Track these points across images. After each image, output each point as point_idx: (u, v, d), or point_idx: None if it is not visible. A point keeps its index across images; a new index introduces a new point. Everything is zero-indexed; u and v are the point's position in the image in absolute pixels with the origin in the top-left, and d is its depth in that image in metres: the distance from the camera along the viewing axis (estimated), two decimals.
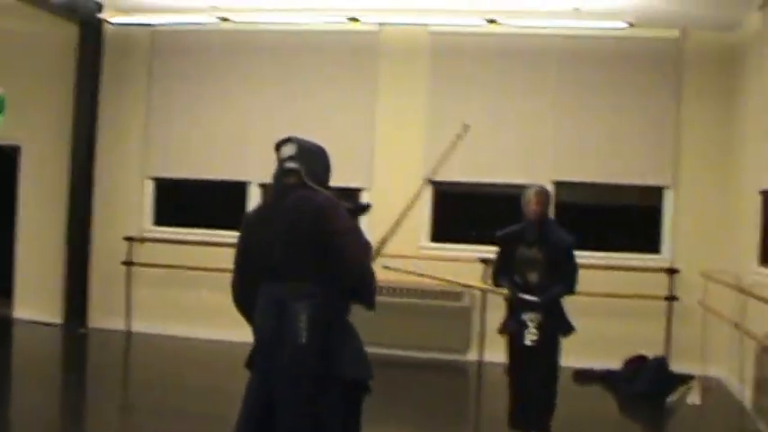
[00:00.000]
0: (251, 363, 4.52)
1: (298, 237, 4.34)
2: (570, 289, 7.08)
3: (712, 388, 9.50)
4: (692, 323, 10.06)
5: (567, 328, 7.17)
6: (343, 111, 11.26)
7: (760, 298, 7.60)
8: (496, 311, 9.45)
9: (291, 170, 4.52)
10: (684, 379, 9.57)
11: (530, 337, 6.86)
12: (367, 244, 4.46)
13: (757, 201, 8.97)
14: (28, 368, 9.56)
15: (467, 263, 10.31)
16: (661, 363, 9.84)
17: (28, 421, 7.32)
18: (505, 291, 6.97)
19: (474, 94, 10.93)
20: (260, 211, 4.71)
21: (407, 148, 10.93)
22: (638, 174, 10.78)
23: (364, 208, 5.10)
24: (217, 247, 11.11)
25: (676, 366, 10.00)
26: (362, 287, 4.41)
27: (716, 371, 9.88)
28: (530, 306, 6.87)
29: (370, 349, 4.48)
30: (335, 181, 9.28)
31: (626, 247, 10.85)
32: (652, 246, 10.82)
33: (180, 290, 11.42)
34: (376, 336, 10.49)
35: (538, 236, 7.00)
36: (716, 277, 9.30)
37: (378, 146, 11.12)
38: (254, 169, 11.29)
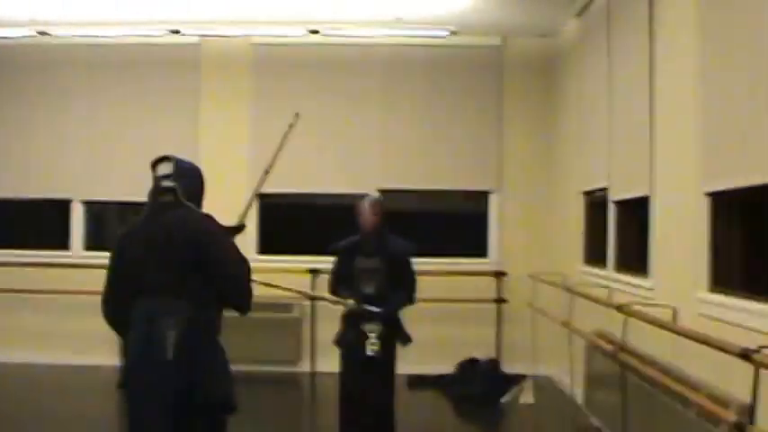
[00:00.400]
0: (123, 383, 4.52)
1: (172, 254, 4.41)
2: (411, 298, 7.17)
3: (544, 387, 9.70)
4: (522, 324, 10.24)
5: (406, 339, 7.24)
6: (166, 125, 11.02)
7: (585, 296, 7.77)
8: (326, 322, 9.51)
9: (168, 189, 4.54)
10: (517, 379, 9.73)
11: (371, 347, 6.84)
12: (246, 261, 4.58)
13: (580, 201, 9.19)
14: None
15: (296, 274, 10.21)
16: (493, 364, 10.00)
17: None
18: (350, 301, 6.88)
19: (299, 105, 10.72)
20: (132, 228, 4.67)
21: (232, 161, 10.76)
22: (463, 179, 10.94)
23: (239, 228, 5.01)
24: (41, 268, 10.79)
25: (508, 367, 10.19)
26: (241, 301, 4.57)
27: (546, 370, 10.08)
28: (369, 317, 6.84)
29: None
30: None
31: (455, 252, 10.96)
32: (480, 250, 10.97)
33: (2, 314, 10.95)
34: None
35: (376, 246, 7.02)
36: (543, 278, 9.48)
37: (202, 160, 10.89)
38: (76, 186, 11.01)
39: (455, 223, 11.48)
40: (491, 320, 10.64)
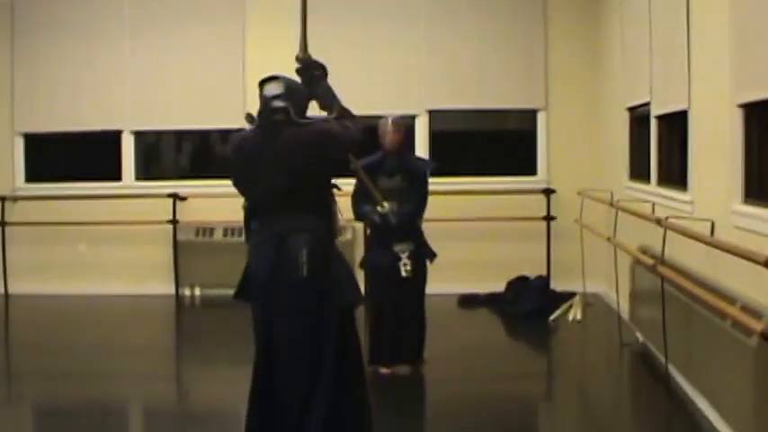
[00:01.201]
0: (240, 294, 4.85)
1: (299, 172, 4.59)
2: (420, 208, 7.31)
3: (593, 303, 9.72)
4: (571, 241, 10.20)
5: (431, 255, 7.43)
6: (212, 46, 11.05)
7: (627, 211, 7.75)
8: None
9: (279, 108, 4.68)
10: (566, 297, 9.77)
11: (405, 268, 7.04)
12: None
13: (625, 117, 9.13)
14: None
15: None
16: (543, 282, 10.03)
17: None
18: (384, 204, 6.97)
19: (344, 25, 10.84)
20: (248, 148, 4.79)
21: None
22: (511, 98, 10.87)
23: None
24: (92, 200, 10.99)
25: (558, 285, 10.20)
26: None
27: (596, 286, 10.08)
28: (400, 238, 7.02)
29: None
30: (206, 122, 9.30)
31: (504, 171, 10.96)
32: (529, 168, 10.96)
33: (57, 247, 11.14)
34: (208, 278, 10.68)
35: (398, 165, 7.15)
36: (590, 195, 9.46)
37: (249, 82, 10.94)
38: (126, 117, 11.13)
39: (504, 142, 11.47)
40: (541, 238, 10.64)
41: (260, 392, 4.74)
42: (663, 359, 6.51)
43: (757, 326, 4.16)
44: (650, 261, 6.43)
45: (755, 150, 5.45)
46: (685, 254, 6.34)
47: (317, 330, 4.64)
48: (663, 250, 6.28)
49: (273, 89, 4.76)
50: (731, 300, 5.14)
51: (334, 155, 4.83)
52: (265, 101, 4.75)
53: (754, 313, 4.67)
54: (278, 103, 4.69)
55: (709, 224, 5.94)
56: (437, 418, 6.62)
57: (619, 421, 6.35)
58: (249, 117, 4.88)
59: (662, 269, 6.11)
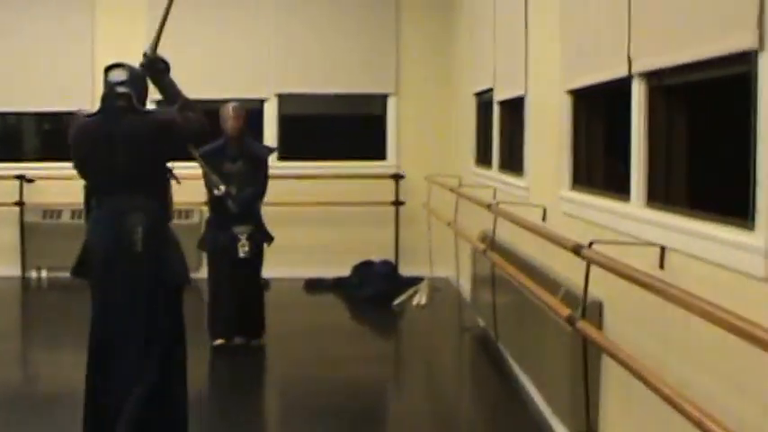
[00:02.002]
0: (79, 271, 4.99)
1: (139, 154, 4.80)
2: (260, 192, 7.51)
3: (441, 288, 9.76)
4: (419, 226, 10.24)
5: (269, 238, 7.65)
6: (60, 29, 10.76)
7: (466, 196, 7.80)
8: None
9: (122, 94, 4.81)
10: (413, 281, 9.81)
11: (243, 249, 7.24)
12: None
13: (473, 103, 9.19)
14: None
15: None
16: (388, 267, 10.06)
17: None
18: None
19: (194, 9, 10.64)
20: (88, 130, 4.91)
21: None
22: (360, 83, 10.85)
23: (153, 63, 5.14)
24: None
25: (407, 270, 10.26)
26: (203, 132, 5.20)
27: (444, 271, 10.14)
28: (238, 220, 7.19)
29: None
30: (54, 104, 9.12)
31: (353, 155, 10.94)
32: (379, 153, 10.96)
33: None
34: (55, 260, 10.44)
35: (239, 151, 7.35)
36: (437, 180, 9.50)
37: (97, 63, 10.64)
38: None
39: (354, 127, 11.43)
40: (390, 223, 10.68)
41: (93, 367, 4.85)
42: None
43: (564, 311, 4.19)
44: (482, 246, 6.47)
45: (582, 137, 5.51)
46: (519, 239, 6.39)
47: (150, 304, 4.82)
48: (493, 236, 6.33)
49: (118, 75, 4.87)
50: (554, 285, 5.19)
51: (173, 144, 5.05)
52: (110, 86, 4.86)
53: (572, 299, 4.72)
54: (121, 89, 4.82)
55: (541, 210, 5.99)
56: (280, 399, 6.68)
57: (454, 404, 6.42)
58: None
59: (491, 255, 6.15)
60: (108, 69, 4.93)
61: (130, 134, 4.79)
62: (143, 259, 4.77)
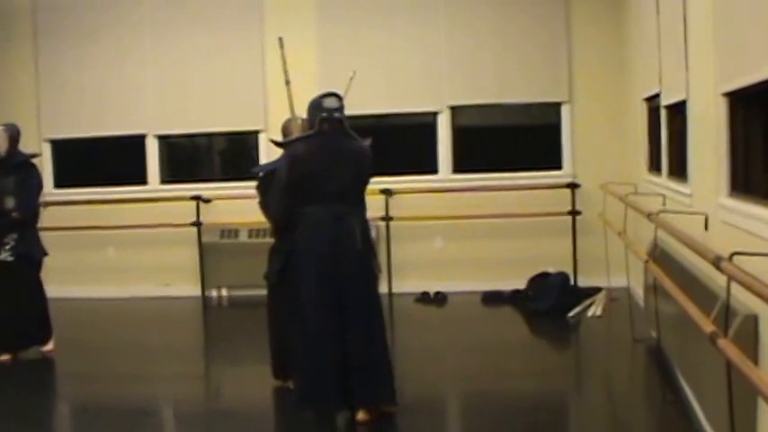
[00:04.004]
0: (274, 275, 6.40)
1: (354, 170, 5.91)
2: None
3: (618, 299, 9.53)
4: (596, 236, 10.03)
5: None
6: (232, 49, 11.09)
7: (631, 206, 7.58)
8: (401, 242, 9.66)
9: (340, 120, 5.91)
10: (589, 292, 9.63)
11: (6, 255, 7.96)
12: None
13: (643, 108, 8.95)
14: None
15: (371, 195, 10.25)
16: (563, 278, 9.89)
17: None
18: None
19: (365, 24, 10.78)
20: (312, 150, 5.89)
21: (300, 83, 10.75)
22: (533, 92, 10.73)
23: None
24: (119, 204, 11.07)
25: (584, 280, 10.09)
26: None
27: (623, 281, 9.88)
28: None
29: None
30: (228, 125, 9.55)
31: (528, 165, 10.81)
32: (553, 163, 10.79)
33: (86, 251, 11.28)
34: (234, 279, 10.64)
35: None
36: (612, 189, 9.27)
37: (269, 84, 10.91)
38: (150, 121, 11.20)
39: (527, 137, 11.28)
40: (566, 233, 10.51)
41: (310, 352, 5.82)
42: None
43: (708, 327, 3.99)
44: (644, 257, 6.28)
45: (740, 141, 5.27)
46: (684, 249, 6.15)
47: (373, 288, 6.02)
48: (654, 245, 6.13)
49: (333, 103, 5.92)
50: (713, 297, 4.97)
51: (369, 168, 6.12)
52: (327, 111, 5.87)
53: (731, 312, 4.50)
54: (338, 115, 5.90)
55: (703, 217, 5.77)
56: (459, 414, 6.76)
57: (623, 418, 6.24)
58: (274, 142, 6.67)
59: (651, 266, 5.96)
60: (323, 97, 5.93)
61: (353, 152, 5.92)
62: (361, 253, 5.84)
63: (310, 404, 5.96)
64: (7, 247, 7.94)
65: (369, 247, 6.00)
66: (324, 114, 5.88)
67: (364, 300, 5.88)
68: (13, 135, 8.10)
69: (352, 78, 7.04)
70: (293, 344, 6.07)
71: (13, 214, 7.92)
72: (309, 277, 5.82)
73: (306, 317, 5.83)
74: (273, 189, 6.49)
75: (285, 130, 6.85)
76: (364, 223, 5.98)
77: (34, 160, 8.52)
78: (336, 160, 5.86)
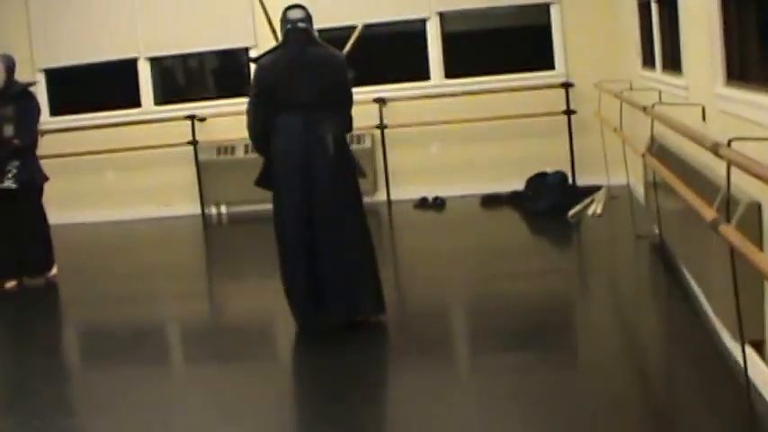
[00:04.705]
0: (262, 180, 6.09)
1: (324, 78, 5.89)
2: None
3: (618, 197, 9.54)
4: (593, 135, 10.04)
5: None
6: None
7: (630, 102, 7.57)
8: (397, 149, 9.71)
9: (305, 30, 5.93)
10: (588, 191, 9.66)
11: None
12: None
13: (633, 2, 8.88)
14: None
15: (364, 104, 10.24)
16: (562, 177, 9.91)
17: None
18: None
19: None
20: (276, 59, 5.94)
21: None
22: None
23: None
24: (115, 128, 11.06)
25: (583, 179, 10.12)
26: (350, 120, 6.19)
27: (623, 179, 9.90)
28: None
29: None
30: (219, 43, 9.39)
31: (520, 67, 10.77)
32: (546, 63, 10.75)
33: (84, 176, 11.30)
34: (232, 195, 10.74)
35: None
36: (605, 87, 9.25)
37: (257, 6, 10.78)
38: (140, 44, 11.15)
39: (517, 39, 11.23)
40: (563, 133, 10.51)
41: (294, 251, 5.90)
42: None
43: (710, 214, 4.00)
44: (642, 151, 6.30)
45: (734, 28, 5.25)
46: (683, 141, 6.17)
47: (348, 197, 5.99)
48: (651, 139, 6.14)
49: (298, 14, 5.94)
50: (714, 187, 4.99)
51: (345, 80, 6.09)
52: (292, 22, 5.91)
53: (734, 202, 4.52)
54: (302, 25, 5.91)
55: (700, 109, 5.77)
56: (465, 316, 6.81)
57: (631, 317, 6.32)
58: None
59: (649, 159, 5.98)
60: (288, 9, 5.97)
61: (319, 60, 5.91)
62: (334, 158, 5.82)
63: (295, 318, 6.07)
64: (9, 175, 7.98)
65: (344, 156, 6.00)
66: (288, 26, 5.93)
67: (336, 211, 5.89)
68: (9, 65, 8.09)
69: (359, 32, 6.92)
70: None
71: (14, 141, 7.96)
72: (284, 186, 5.91)
73: (283, 230, 5.95)
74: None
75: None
76: (339, 131, 6.00)
77: (31, 89, 8.56)
78: (302, 69, 5.87)
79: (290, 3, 6.08)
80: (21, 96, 8.13)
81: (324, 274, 5.85)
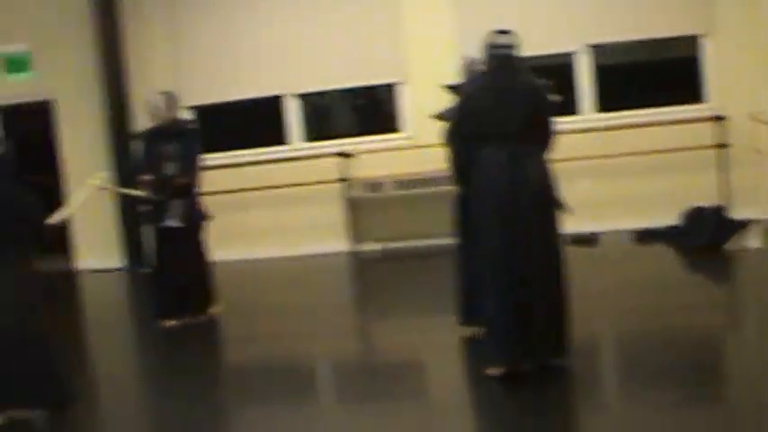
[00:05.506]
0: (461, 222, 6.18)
1: (528, 108, 5.57)
2: None
3: None
4: (747, 168, 9.82)
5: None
6: (365, 2, 11.14)
7: None
8: None
9: (508, 56, 5.63)
10: (744, 224, 9.43)
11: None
12: None
13: None
14: (120, 314, 9.82)
15: None
16: (718, 211, 9.69)
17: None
18: None
19: None
20: (480, 87, 5.71)
21: (438, 33, 10.75)
22: (671, 25, 10.50)
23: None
24: (264, 165, 11.27)
25: (737, 213, 9.87)
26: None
27: None
28: None
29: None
30: (366, 79, 9.32)
31: (670, 101, 10.61)
32: (696, 96, 10.57)
33: (234, 214, 11.40)
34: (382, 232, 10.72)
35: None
36: (761, 118, 9.04)
37: (407, 35, 10.90)
38: (289, 81, 11.34)
39: (667, 72, 11.05)
40: (714, 166, 10.28)
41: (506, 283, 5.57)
42: None
43: None
44: None
45: None
46: None
47: (553, 233, 5.70)
48: None
49: (505, 39, 5.65)
50: None
51: (549, 104, 5.79)
52: (498, 48, 5.63)
53: None
54: (510, 52, 5.63)
55: None
56: (619, 352, 6.64)
57: None
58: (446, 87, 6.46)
59: None
60: (494, 33, 5.67)
61: (524, 90, 5.61)
62: (539, 194, 5.57)
63: (498, 357, 5.66)
64: (172, 214, 8.03)
65: (548, 188, 5.67)
66: (494, 51, 5.66)
67: (543, 247, 5.62)
68: (173, 102, 8.14)
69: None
70: (481, 293, 5.82)
71: (177, 180, 8.00)
72: (488, 227, 5.61)
73: (489, 268, 5.63)
74: (448, 133, 6.36)
75: (466, 71, 6.67)
76: (542, 164, 5.66)
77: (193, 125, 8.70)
78: (508, 98, 5.59)
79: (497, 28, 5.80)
80: (184, 134, 8.20)
81: (534, 312, 5.56)
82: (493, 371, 5.59)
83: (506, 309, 5.56)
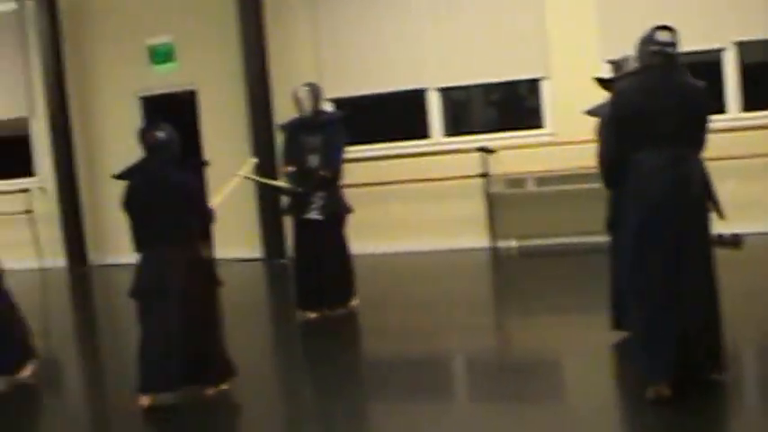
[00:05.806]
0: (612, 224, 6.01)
1: (690, 110, 5.26)
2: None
3: None
4: None
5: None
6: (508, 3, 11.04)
7: None
8: None
9: (671, 54, 5.26)
10: None
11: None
12: None
13: None
14: (258, 304, 9.97)
15: None
16: None
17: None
18: None
19: None
20: (639, 85, 5.37)
21: (581, 28, 10.61)
22: None
23: None
24: (404, 159, 11.30)
25: None
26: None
27: None
28: None
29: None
30: (509, 74, 9.11)
31: None
32: None
33: (373, 207, 11.42)
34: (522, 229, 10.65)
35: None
36: None
37: (550, 30, 10.80)
38: (431, 75, 11.33)
39: None
40: None
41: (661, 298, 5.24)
42: None
43: None
44: None
45: None
46: None
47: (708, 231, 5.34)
48: None
49: (666, 37, 5.27)
50: None
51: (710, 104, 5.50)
52: (659, 45, 5.26)
53: None
54: (671, 50, 5.25)
55: None
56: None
57: None
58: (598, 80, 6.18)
59: None
60: (655, 29, 5.30)
61: (686, 90, 5.29)
62: (700, 199, 5.27)
63: (654, 376, 5.24)
64: (315, 206, 8.00)
65: (708, 195, 5.34)
66: (654, 48, 5.29)
67: (702, 257, 5.29)
68: (317, 94, 8.10)
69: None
70: (631, 300, 5.49)
71: (320, 172, 7.96)
72: (642, 233, 5.29)
73: (643, 277, 5.31)
74: (602, 131, 6.15)
75: (618, 67, 6.48)
76: (702, 166, 5.33)
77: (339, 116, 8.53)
78: (667, 97, 5.26)
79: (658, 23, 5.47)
80: (328, 125, 8.16)
81: (689, 327, 5.24)
82: (650, 393, 5.18)
83: (665, 324, 5.23)
